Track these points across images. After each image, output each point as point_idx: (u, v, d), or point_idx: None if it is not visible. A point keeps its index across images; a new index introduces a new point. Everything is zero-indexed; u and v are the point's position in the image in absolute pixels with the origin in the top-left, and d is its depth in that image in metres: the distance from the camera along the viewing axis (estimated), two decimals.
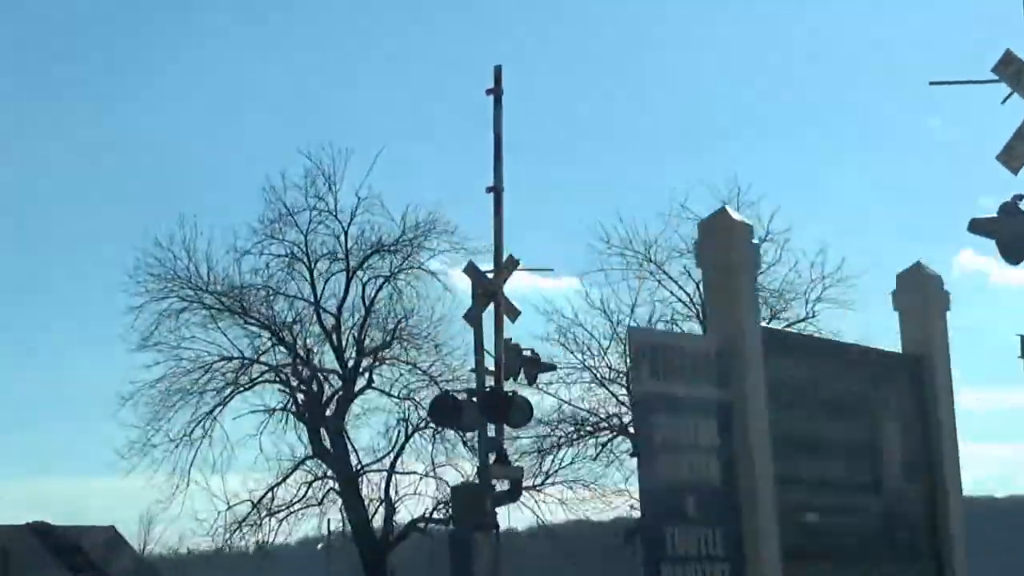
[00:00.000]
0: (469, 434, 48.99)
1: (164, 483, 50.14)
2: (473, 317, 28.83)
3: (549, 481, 51.15)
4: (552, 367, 32.36)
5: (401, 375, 51.83)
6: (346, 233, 51.78)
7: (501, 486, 28.10)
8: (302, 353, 52.11)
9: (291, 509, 51.47)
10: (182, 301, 51.38)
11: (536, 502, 50.99)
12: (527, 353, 29.42)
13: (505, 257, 28.93)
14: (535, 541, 52.94)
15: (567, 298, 51.96)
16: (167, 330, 50.68)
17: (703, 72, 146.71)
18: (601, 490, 50.80)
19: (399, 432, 51.38)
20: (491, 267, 29.01)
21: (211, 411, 50.84)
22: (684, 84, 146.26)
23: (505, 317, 28.80)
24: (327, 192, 51.71)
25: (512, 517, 48.43)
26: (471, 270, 29.21)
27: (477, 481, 29.30)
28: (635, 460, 49.86)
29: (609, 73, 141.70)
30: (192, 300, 51.49)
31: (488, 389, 28.01)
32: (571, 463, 51.43)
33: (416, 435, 51.44)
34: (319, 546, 56.33)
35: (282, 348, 52.16)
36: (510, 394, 28.11)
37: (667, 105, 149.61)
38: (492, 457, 27.97)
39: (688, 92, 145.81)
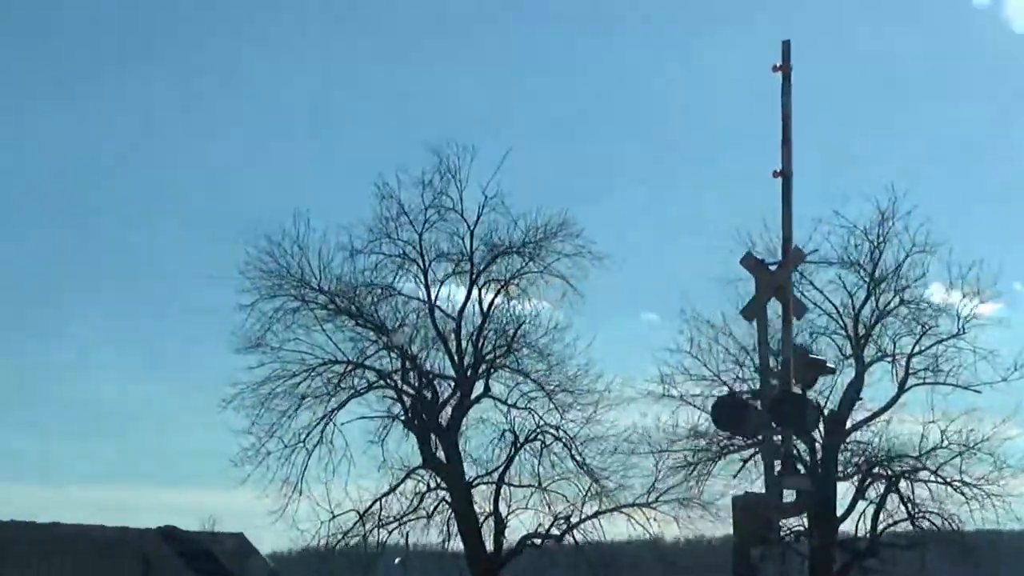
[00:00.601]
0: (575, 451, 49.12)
1: (272, 491, 48.33)
2: (753, 312, 26.46)
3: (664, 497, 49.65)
4: (832, 370, 30.35)
5: (518, 384, 50.23)
6: (472, 233, 49.92)
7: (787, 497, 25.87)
8: (414, 358, 50.44)
9: (400, 520, 50.07)
10: (295, 300, 49.78)
11: (648, 519, 49.71)
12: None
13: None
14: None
15: None
16: (280, 329, 49.25)
17: None
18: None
19: (511, 443, 50.11)
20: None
21: (324, 417, 49.27)
22: None
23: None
24: (451, 190, 49.77)
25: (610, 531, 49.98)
26: (751, 262, 26.78)
27: (751, 491, 27.51)
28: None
29: None
30: (305, 299, 49.85)
31: (777, 391, 25.72)
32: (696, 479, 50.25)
33: (528, 447, 50.13)
34: (396, 560, 56.02)
35: (391, 352, 50.37)
36: (802, 397, 25.86)
37: None
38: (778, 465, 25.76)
39: None
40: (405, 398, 50.44)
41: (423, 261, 49.92)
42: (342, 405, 49.73)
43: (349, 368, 49.81)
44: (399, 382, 50.42)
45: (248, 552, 53.97)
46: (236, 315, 48.36)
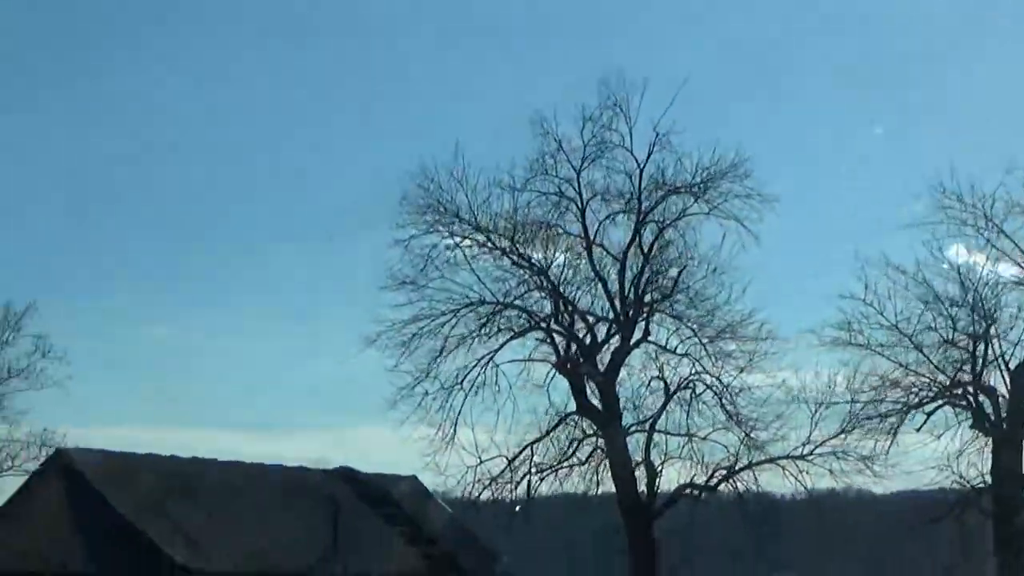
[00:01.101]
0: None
1: (428, 435, 47.33)
2: None
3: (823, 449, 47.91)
4: None
5: (677, 329, 48.47)
6: (641, 171, 48.03)
7: None
8: (569, 299, 48.88)
9: (555, 468, 48.66)
10: (452, 237, 48.30)
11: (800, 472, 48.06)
12: None
13: None
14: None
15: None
16: (431, 268, 47.81)
17: None
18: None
19: (663, 391, 48.29)
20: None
21: (484, 358, 47.55)
22: None
23: None
24: (619, 125, 47.64)
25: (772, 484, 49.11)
26: None
27: None
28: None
29: None
30: (464, 236, 48.31)
31: None
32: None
33: (679, 396, 48.13)
34: (516, 508, 52.70)
35: (544, 293, 48.95)
36: None
37: None
38: None
39: None
40: (558, 341, 48.63)
41: (581, 200, 48.27)
42: (499, 348, 47.87)
43: (498, 308, 48.05)
44: (552, 324, 48.68)
45: (424, 495, 53.68)
46: (385, 252, 47.06)
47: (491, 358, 48.01)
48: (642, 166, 47.83)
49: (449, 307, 47.70)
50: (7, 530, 45.56)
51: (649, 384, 48.35)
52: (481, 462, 47.56)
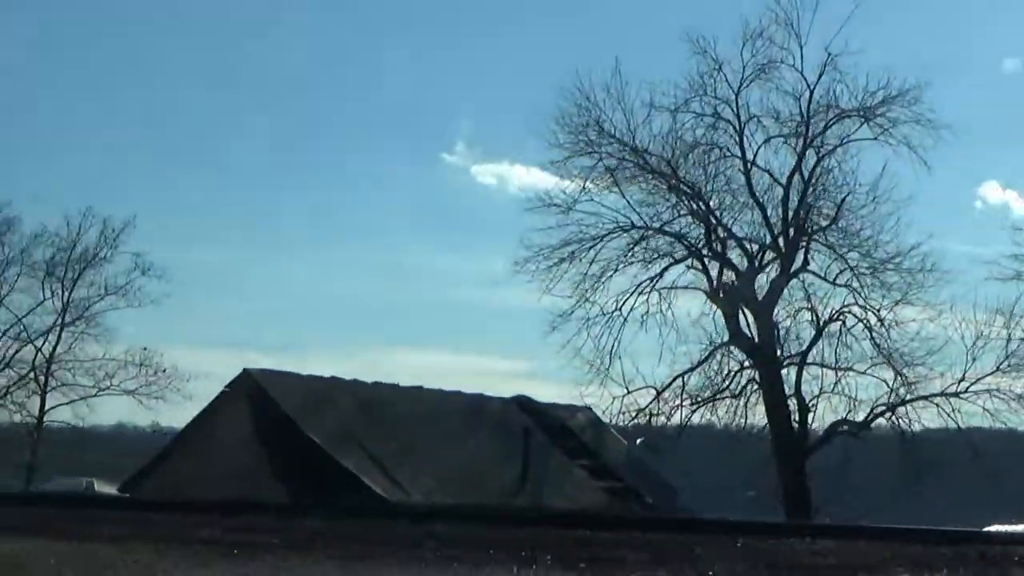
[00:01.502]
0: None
1: (577, 364, 46.92)
2: None
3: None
4: None
5: (837, 258, 47.04)
6: (811, 93, 46.25)
7: None
8: (726, 225, 47.59)
9: (705, 400, 47.50)
10: (609, 158, 46.88)
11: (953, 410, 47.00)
12: None
13: None
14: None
15: None
16: (584, 189, 46.52)
17: None
18: None
19: (816, 323, 46.86)
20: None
21: (638, 288, 46.33)
22: None
23: None
24: (790, 44, 45.78)
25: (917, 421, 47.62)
26: None
27: None
28: None
29: None
30: (620, 158, 46.94)
31: None
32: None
33: (832, 327, 46.67)
34: (638, 440, 52.54)
35: (697, 218, 47.55)
36: None
37: None
38: None
39: None
40: (710, 269, 47.48)
41: (739, 122, 46.75)
42: (660, 274, 46.78)
43: (648, 234, 46.92)
44: (706, 250, 47.44)
45: (600, 427, 51.61)
46: (535, 175, 46.52)
47: (653, 286, 47.15)
48: (812, 88, 46.26)
49: (599, 231, 46.64)
50: (190, 455, 43.53)
51: (796, 315, 47.16)
52: (628, 392, 46.77)
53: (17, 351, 65.18)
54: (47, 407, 64.98)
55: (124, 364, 64.88)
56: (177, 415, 64.22)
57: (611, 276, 46.80)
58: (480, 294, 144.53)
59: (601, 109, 46.35)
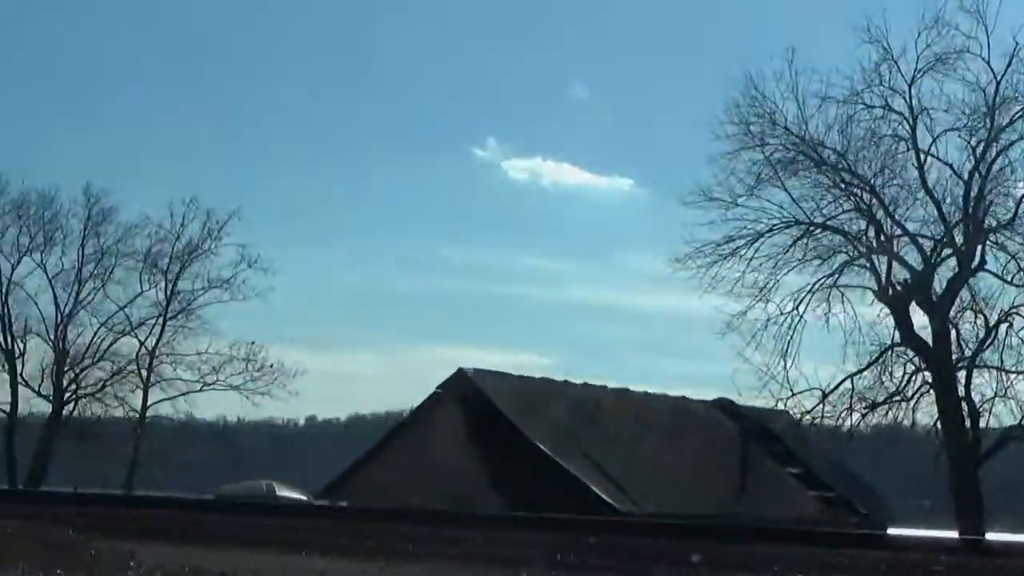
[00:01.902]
0: None
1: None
2: None
3: None
4: None
5: (1015, 256, 44.15)
6: (998, 84, 43.32)
7: None
8: (899, 221, 45.09)
9: (879, 403, 44.58)
10: (785, 150, 45.00)
11: None
12: None
13: None
14: None
15: None
16: (745, 183, 44.63)
17: None
18: None
19: (986, 324, 44.12)
20: None
21: (816, 284, 44.15)
22: None
23: None
24: (978, 33, 42.83)
25: None
26: None
27: None
28: None
29: None
30: (793, 149, 45.07)
31: None
32: None
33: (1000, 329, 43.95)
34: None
35: (859, 214, 45.38)
36: None
37: None
38: None
39: None
40: (879, 266, 45.30)
41: (912, 113, 44.59)
42: (835, 273, 44.42)
43: (811, 229, 45.08)
44: (875, 247, 45.33)
45: (800, 431, 49.03)
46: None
47: (834, 283, 44.51)
48: (999, 78, 43.24)
49: (761, 227, 44.57)
50: (397, 458, 41.40)
51: (962, 315, 44.38)
52: (793, 394, 43.71)
53: (112, 343, 63.15)
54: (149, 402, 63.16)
55: (229, 359, 62.87)
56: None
57: (786, 273, 44.63)
58: (526, 289, 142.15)
59: (771, 100, 44.77)
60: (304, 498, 50.84)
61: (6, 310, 61.58)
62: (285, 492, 51.62)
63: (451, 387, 41.67)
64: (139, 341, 62.26)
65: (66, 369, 61.19)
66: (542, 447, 39.61)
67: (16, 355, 61.51)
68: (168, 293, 62.52)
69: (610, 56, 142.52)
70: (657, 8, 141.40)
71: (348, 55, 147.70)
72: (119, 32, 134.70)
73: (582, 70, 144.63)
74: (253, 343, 61.25)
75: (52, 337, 61.66)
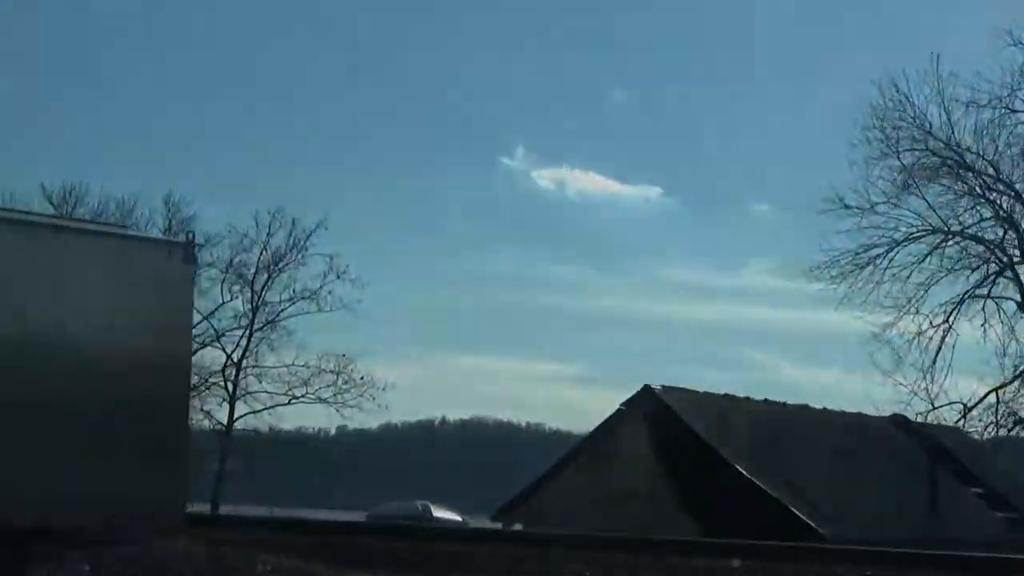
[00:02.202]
0: None
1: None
2: None
3: None
4: None
5: None
6: None
7: None
8: None
9: (1018, 415, 45.24)
10: (930, 157, 44.28)
11: None
12: None
13: None
14: None
15: None
16: (883, 192, 44.37)
17: None
18: None
19: None
20: None
21: (965, 296, 44.28)
22: None
23: None
24: None
25: None
26: None
27: None
28: None
29: None
30: (939, 156, 44.32)
31: None
32: None
33: None
34: None
35: (1000, 222, 44.95)
36: None
37: None
38: None
39: None
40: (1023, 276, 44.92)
41: None
42: (991, 281, 44.34)
43: (949, 237, 44.56)
44: (1019, 256, 45.03)
45: (975, 448, 47.82)
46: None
47: (989, 294, 44.79)
48: None
49: (898, 235, 44.59)
50: (584, 475, 39.62)
51: None
52: (934, 408, 44.74)
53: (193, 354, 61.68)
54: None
55: (318, 371, 61.72)
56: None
57: (927, 284, 44.74)
58: (555, 299, 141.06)
59: (916, 105, 44.12)
60: (460, 519, 49.26)
61: None
62: (441, 513, 50.13)
63: (636, 404, 39.76)
64: (226, 353, 61.07)
65: None
66: (739, 468, 37.66)
67: None
68: (254, 304, 61.16)
69: (636, 62, 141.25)
70: (685, 11, 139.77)
71: (375, 63, 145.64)
72: (200, 44, 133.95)
73: (613, 77, 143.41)
74: (344, 355, 60.42)
75: None
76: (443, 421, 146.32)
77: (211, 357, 61.29)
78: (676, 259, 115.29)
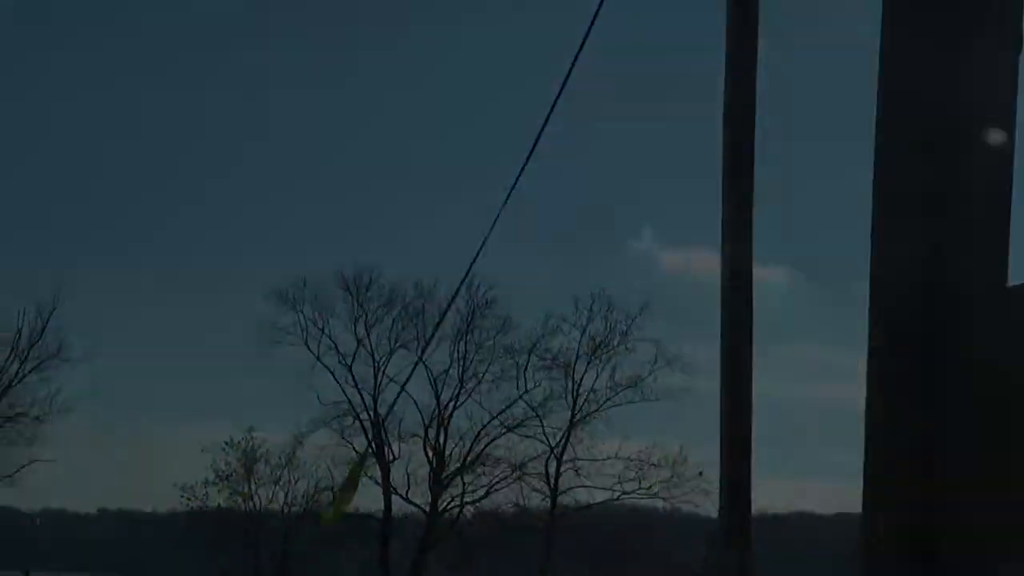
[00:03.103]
0: None
1: None
2: None
3: None
4: None
5: None
6: None
7: None
8: None
9: None
10: None
11: None
12: None
13: None
14: None
15: None
16: None
17: None
18: None
19: None
20: None
21: None
22: None
23: None
24: None
25: None
26: None
27: None
28: None
29: None
30: None
31: None
32: None
33: None
34: None
35: None
36: None
37: None
38: None
39: None
40: None
41: None
42: None
43: None
44: None
45: None
46: None
47: None
48: None
49: None
50: None
51: None
52: None
53: (487, 444, 57.73)
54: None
55: (646, 465, 57.35)
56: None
57: None
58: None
59: None
60: None
61: (375, 408, 56.97)
62: None
63: None
64: (545, 444, 57.07)
65: (446, 474, 56.76)
66: None
67: (390, 458, 57.24)
68: (574, 392, 57.30)
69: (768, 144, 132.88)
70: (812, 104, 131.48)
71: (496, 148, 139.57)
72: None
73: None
74: (681, 447, 55.85)
75: (427, 438, 57.33)
76: None
77: (509, 447, 57.88)
78: (808, 339, 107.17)
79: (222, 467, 58.29)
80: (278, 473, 58.52)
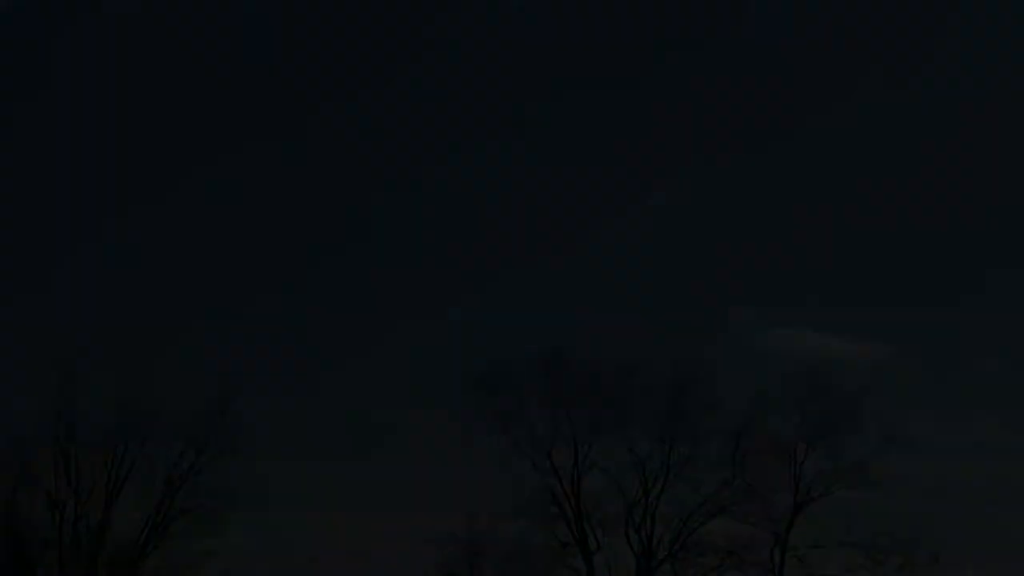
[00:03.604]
0: None
1: None
2: None
3: None
4: None
5: None
6: None
7: None
8: None
9: None
10: None
11: None
12: None
13: None
14: None
15: None
16: None
17: None
18: None
19: None
20: None
21: None
22: None
23: None
24: None
25: None
26: None
27: None
28: None
29: None
30: None
31: None
32: None
33: None
34: None
35: None
36: None
37: None
38: None
39: None
40: None
41: None
42: None
43: None
44: None
45: None
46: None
47: None
48: None
49: None
50: None
51: None
52: None
53: (695, 528, 54.91)
54: None
55: (874, 551, 54.05)
56: None
57: None
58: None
59: None
60: None
61: (577, 497, 54.76)
62: None
63: None
64: (764, 529, 54.33)
65: (654, 562, 54.40)
66: None
67: (592, 550, 54.62)
68: (796, 477, 54.45)
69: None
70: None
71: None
72: None
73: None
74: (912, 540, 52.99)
75: (630, 525, 54.92)
76: None
77: (724, 533, 55.44)
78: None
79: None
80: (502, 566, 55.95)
